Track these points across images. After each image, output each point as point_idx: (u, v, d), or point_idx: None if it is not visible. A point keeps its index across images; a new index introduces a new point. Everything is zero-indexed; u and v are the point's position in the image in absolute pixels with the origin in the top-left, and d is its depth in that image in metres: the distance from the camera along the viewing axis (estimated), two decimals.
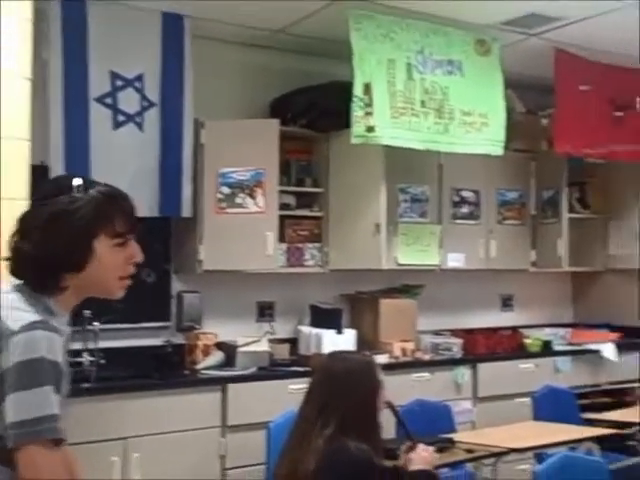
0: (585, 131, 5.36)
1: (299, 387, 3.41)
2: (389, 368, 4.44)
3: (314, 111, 4.93)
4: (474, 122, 4.78)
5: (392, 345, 4.92)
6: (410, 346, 4.99)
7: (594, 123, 5.37)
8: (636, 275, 5.95)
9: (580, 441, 3.96)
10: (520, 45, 5.05)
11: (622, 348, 5.71)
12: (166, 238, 4.69)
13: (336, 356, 2.82)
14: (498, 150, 4.88)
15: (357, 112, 4.32)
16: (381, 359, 4.55)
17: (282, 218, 4.82)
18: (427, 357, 5.05)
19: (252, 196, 4.59)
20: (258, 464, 3.77)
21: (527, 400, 4.71)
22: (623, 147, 5.54)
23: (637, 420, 4.57)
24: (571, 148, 5.35)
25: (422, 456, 2.72)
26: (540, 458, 3.82)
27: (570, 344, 5.68)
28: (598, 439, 4.05)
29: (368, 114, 4.36)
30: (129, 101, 4.33)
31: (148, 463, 3.94)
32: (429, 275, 5.36)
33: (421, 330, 5.25)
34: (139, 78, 4.35)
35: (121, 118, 4.30)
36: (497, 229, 5.61)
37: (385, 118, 4.41)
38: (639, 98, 5.55)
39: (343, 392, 2.59)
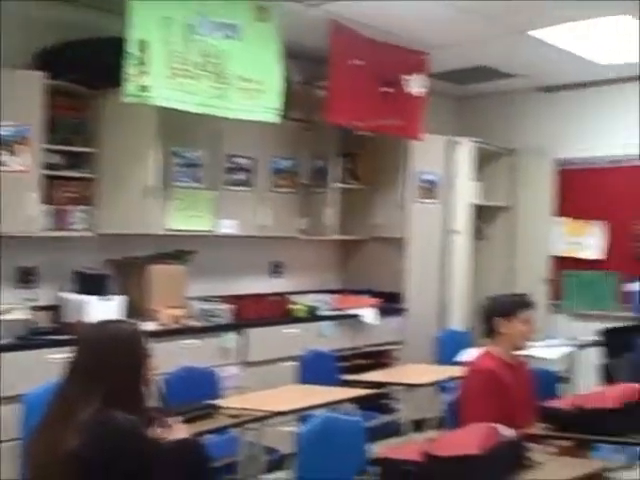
0: (356, 104, 5.56)
1: (61, 357, 3.25)
2: (158, 335, 4.41)
3: (88, 66, 4.66)
4: (251, 88, 4.77)
5: (161, 312, 4.85)
6: (180, 313, 4.94)
7: (364, 97, 5.59)
8: (397, 244, 6.33)
9: (341, 402, 4.15)
10: (298, 15, 5.09)
11: (382, 313, 6.06)
12: None
13: (99, 325, 2.70)
14: (274, 118, 4.92)
15: (130, 70, 4.15)
16: (149, 326, 4.49)
17: (48, 179, 4.55)
18: (196, 324, 5.04)
19: (13, 153, 4.28)
20: (12, 439, 3.56)
21: (293, 364, 4.86)
22: (389, 121, 5.82)
23: (391, 380, 4.89)
24: (342, 120, 5.54)
25: (178, 426, 2.70)
26: (304, 420, 3.96)
27: (334, 309, 5.94)
28: (357, 399, 4.26)
29: (143, 73, 4.20)
30: None
31: None
32: (202, 241, 5.33)
33: (192, 296, 5.22)
34: None
35: None
36: (270, 197, 5.69)
37: (160, 78, 4.28)
38: (403, 75, 5.85)
39: (107, 363, 2.50)
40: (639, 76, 6.42)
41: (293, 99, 5.35)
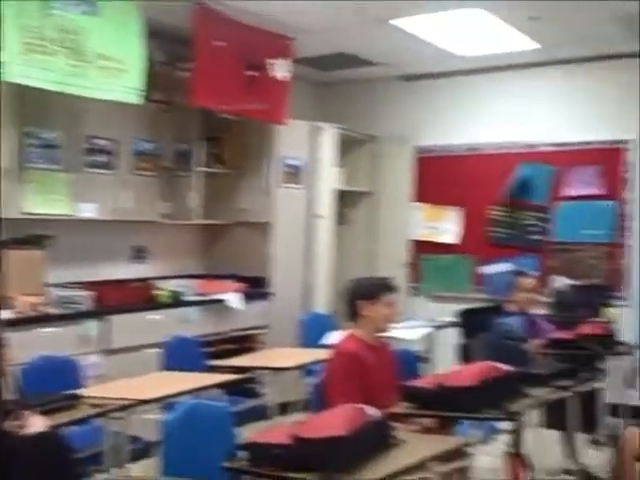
0: (221, 87, 5.51)
1: None
2: (14, 324, 4.25)
3: None
4: (111, 67, 4.65)
5: (17, 299, 4.64)
6: (37, 300, 4.74)
7: (229, 80, 5.55)
8: (262, 228, 6.34)
9: (207, 388, 4.12)
10: None
11: (247, 297, 6.05)
12: None
13: None
14: (135, 98, 4.81)
15: None
16: (5, 315, 4.29)
17: None
18: (55, 311, 4.85)
19: None
20: None
21: (158, 350, 4.78)
22: (254, 105, 5.80)
23: (257, 364, 4.90)
24: (207, 103, 5.48)
25: (36, 418, 2.60)
26: (170, 407, 3.90)
27: (199, 294, 5.87)
28: (223, 384, 4.24)
29: None
30: None
31: None
32: (60, 225, 5.14)
33: (51, 283, 5.02)
34: None
35: None
36: (132, 180, 5.57)
37: (14, 54, 4.08)
38: (269, 59, 5.84)
39: None
40: (493, 67, 6.74)
41: (155, 80, 5.25)
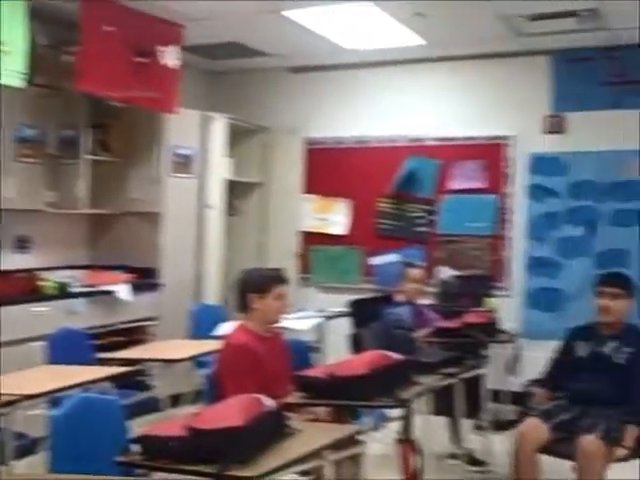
0: (108, 73, 5.38)
1: None
2: None
3: None
4: None
5: None
6: None
7: (117, 66, 5.43)
8: (152, 218, 6.23)
9: (96, 381, 4.03)
10: None
11: (137, 288, 5.95)
12: None
13: None
14: (18, 82, 4.63)
15: None
16: None
17: None
18: None
19: None
20: None
21: (43, 344, 4.63)
22: (143, 93, 5.69)
23: (147, 356, 4.83)
24: (93, 88, 5.33)
25: None
26: (57, 402, 3.79)
27: (86, 286, 5.73)
28: (113, 377, 4.16)
29: None
30: None
31: None
32: None
33: None
34: None
35: None
36: (14, 167, 5.38)
37: None
38: (159, 47, 5.74)
39: None
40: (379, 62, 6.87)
41: (39, 63, 5.07)
